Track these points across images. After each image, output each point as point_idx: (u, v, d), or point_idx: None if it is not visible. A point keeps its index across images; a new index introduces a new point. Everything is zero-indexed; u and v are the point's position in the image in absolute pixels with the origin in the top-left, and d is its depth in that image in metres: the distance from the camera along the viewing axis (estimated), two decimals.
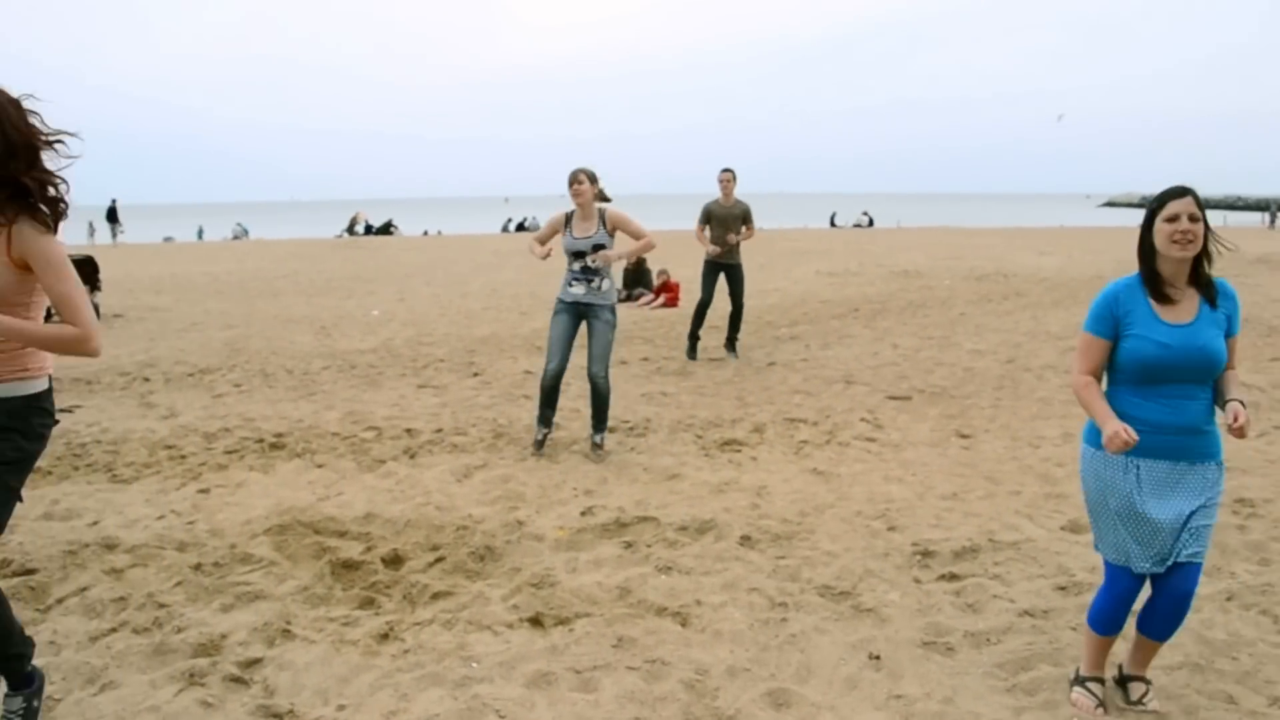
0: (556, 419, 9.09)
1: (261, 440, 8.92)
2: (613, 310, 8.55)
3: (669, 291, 19.25)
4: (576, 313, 8.54)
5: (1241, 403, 4.08)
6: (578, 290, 8.46)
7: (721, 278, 13.12)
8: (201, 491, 7.52)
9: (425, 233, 55.44)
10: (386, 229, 53.30)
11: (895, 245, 36.23)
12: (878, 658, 4.88)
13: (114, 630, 5.15)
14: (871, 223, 58.75)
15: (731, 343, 13.43)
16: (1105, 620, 4.41)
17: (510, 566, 6.01)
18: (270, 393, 11.03)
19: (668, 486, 7.58)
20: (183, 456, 8.47)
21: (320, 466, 8.20)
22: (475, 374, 12.18)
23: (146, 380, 11.85)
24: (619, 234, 8.59)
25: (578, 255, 8.43)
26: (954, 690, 4.58)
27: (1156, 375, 4.07)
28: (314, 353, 13.82)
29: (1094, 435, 4.29)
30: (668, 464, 8.16)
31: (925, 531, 6.58)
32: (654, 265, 20.27)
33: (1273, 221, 53.86)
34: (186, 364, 12.78)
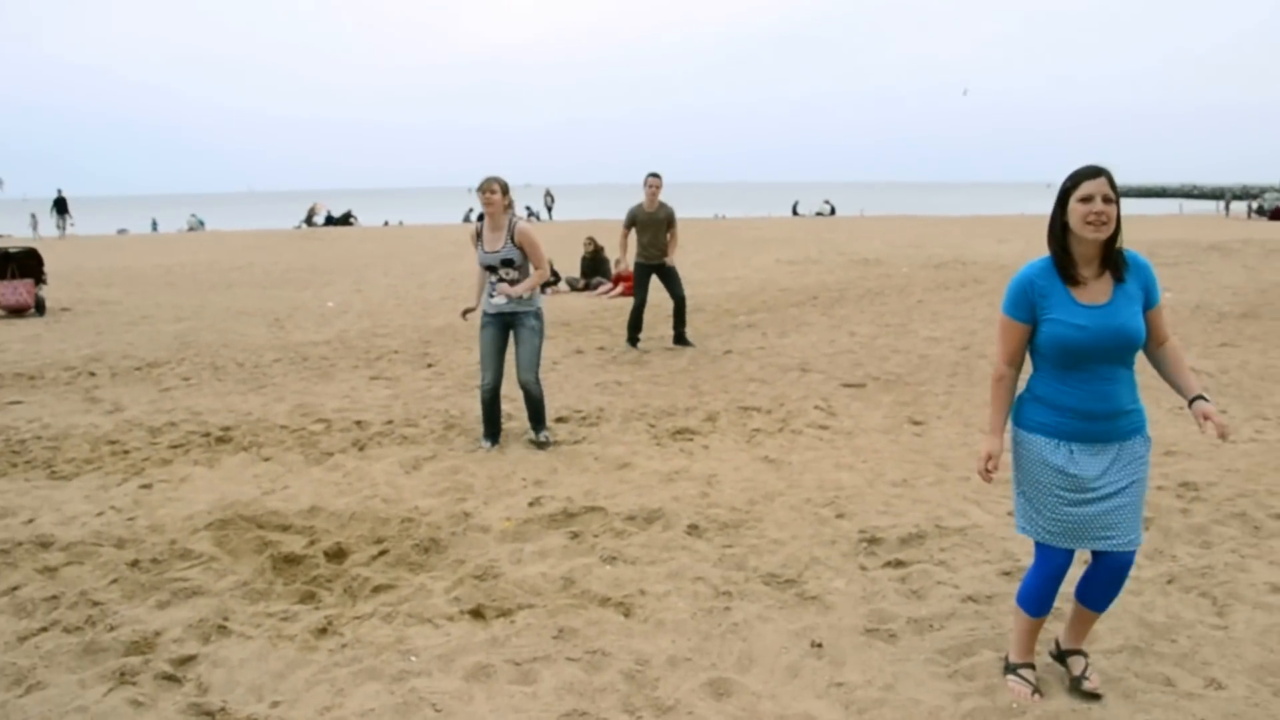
0: (509, 409, 8.99)
1: (208, 434, 8.80)
2: (538, 315, 8.41)
3: (627, 280, 19.13)
4: (503, 323, 8.40)
5: (1205, 398, 4.09)
6: (499, 301, 8.26)
7: (654, 278, 13.09)
8: (144, 487, 7.41)
9: (385, 223, 55.18)
10: (346, 219, 52.99)
11: (856, 233, 36.29)
12: (820, 645, 4.84)
13: (44, 630, 5.05)
14: (833, 211, 58.79)
15: (681, 337, 13.36)
16: (1036, 600, 4.39)
17: (454, 558, 5.94)
18: (219, 386, 10.90)
19: (618, 476, 7.52)
20: (126, 452, 8.35)
21: (267, 460, 8.10)
22: (429, 365, 12.09)
23: (92, 375, 11.70)
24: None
25: (489, 269, 8.27)
26: (895, 677, 4.54)
27: (1077, 358, 4.03)
28: (266, 345, 13.69)
29: (1025, 416, 4.30)
30: (619, 453, 8.10)
31: (873, 518, 6.55)
32: (612, 254, 20.17)
33: (1227, 210, 54.28)
34: (134, 358, 12.62)
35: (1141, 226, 40.96)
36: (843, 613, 5.19)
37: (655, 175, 12.88)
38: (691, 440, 8.53)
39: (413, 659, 4.70)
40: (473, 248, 8.38)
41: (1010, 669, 4.48)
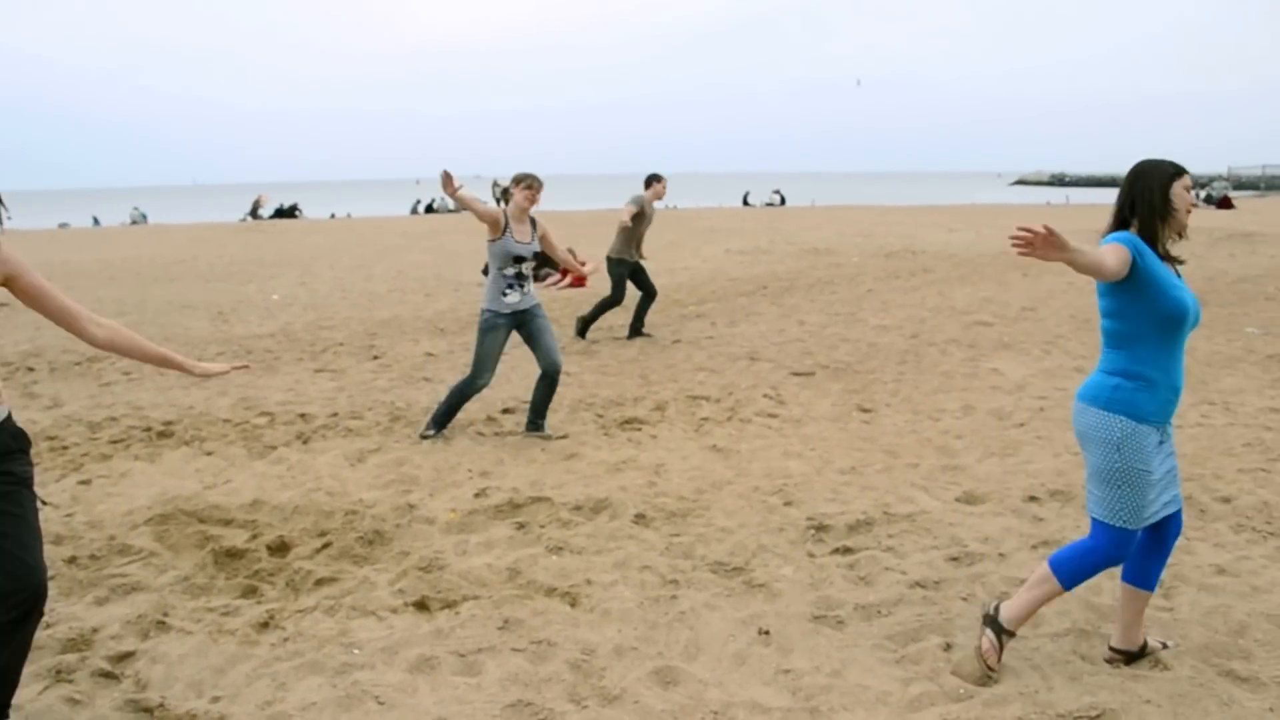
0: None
1: (149, 429, 8.65)
2: (540, 305, 8.48)
3: (577, 272, 19.06)
4: (515, 323, 8.30)
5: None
6: (514, 299, 8.21)
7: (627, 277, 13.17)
8: (82, 483, 7.27)
9: (332, 215, 54.64)
10: (291, 212, 52.48)
11: (806, 224, 36.35)
12: (767, 633, 4.83)
13: None
14: (784, 201, 58.79)
15: (639, 329, 13.32)
16: (1081, 578, 4.38)
17: (399, 550, 5.87)
18: (161, 380, 10.73)
19: (565, 466, 7.48)
20: (64, 447, 8.19)
21: (209, 454, 7.98)
22: (375, 357, 11.97)
23: (30, 370, 11.48)
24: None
25: (518, 260, 8.22)
26: (843, 663, 4.55)
27: (1183, 330, 4.14)
28: (209, 339, 13.51)
29: (1138, 407, 4.15)
30: (566, 444, 8.06)
31: (821, 506, 6.54)
32: (560, 244, 20.10)
33: None
34: (74, 352, 12.39)
35: (1092, 215, 41.25)
36: (790, 600, 5.18)
37: (659, 177, 13.13)
38: (639, 430, 8.51)
39: (356, 652, 4.64)
40: (488, 225, 8.18)
41: (1000, 630, 4.45)
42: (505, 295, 8.20)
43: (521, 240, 8.23)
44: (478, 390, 8.34)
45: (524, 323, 8.31)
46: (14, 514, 3.73)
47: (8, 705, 3.92)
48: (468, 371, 8.37)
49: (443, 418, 8.44)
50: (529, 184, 8.24)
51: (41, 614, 3.80)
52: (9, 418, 3.81)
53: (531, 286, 8.38)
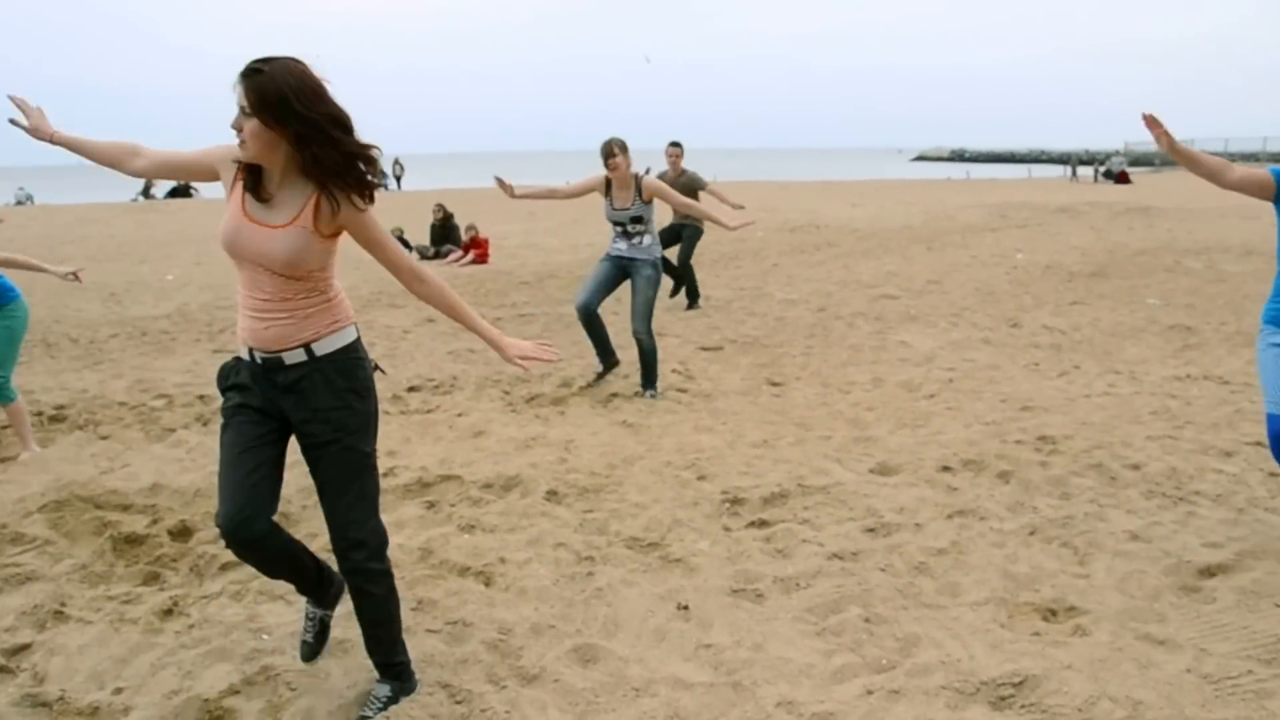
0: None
1: (40, 413, 8.31)
2: (654, 266, 8.76)
3: (478, 248, 18.92)
4: (620, 266, 8.76)
5: None
6: (620, 246, 8.72)
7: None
8: None
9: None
10: (186, 191, 51.45)
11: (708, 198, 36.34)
12: (686, 608, 4.78)
13: None
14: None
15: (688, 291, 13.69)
16: None
17: (306, 532, 5.70)
18: (52, 363, 10.42)
19: (473, 444, 7.36)
20: None
21: (105, 438, 7.73)
22: None
23: None
24: (656, 202, 8.72)
25: (616, 224, 8.67)
26: (764, 636, 4.50)
27: None
28: (102, 320, 13.14)
29: None
30: (473, 421, 7.93)
31: (735, 479, 6.49)
32: (462, 221, 19.90)
33: (1074, 174, 55.80)
34: None
35: (992, 190, 41.95)
36: (708, 574, 5.13)
37: (675, 144, 13.45)
38: (547, 406, 8.40)
39: (265, 637, 4.50)
40: (586, 178, 8.78)
41: None
42: (615, 241, 8.82)
43: (620, 207, 8.59)
44: (578, 310, 8.92)
45: (628, 271, 8.79)
46: (342, 482, 3.81)
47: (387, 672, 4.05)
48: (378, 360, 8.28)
49: (597, 350, 9.11)
50: (606, 159, 8.53)
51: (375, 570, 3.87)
52: (347, 348, 3.83)
53: (643, 241, 8.70)
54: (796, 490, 6.25)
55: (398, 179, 57.56)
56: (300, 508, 6.08)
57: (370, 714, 3.91)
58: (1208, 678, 4.06)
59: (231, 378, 3.83)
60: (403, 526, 5.75)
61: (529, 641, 4.46)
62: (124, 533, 5.68)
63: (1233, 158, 61.57)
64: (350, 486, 3.78)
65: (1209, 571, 5.03)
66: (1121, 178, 46.79)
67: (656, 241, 8.81)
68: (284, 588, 4.97)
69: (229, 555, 5.32)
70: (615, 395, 8.69)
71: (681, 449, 7.15)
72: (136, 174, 3.64)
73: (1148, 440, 7.11)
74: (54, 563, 5.37)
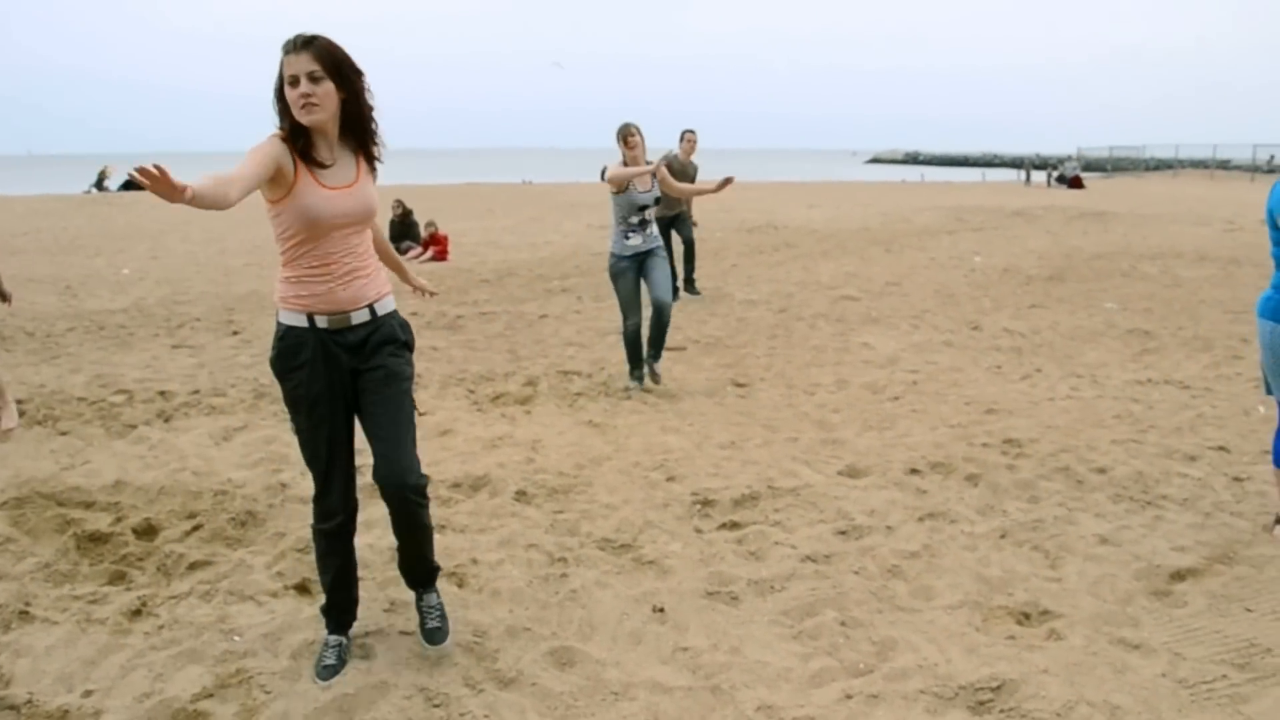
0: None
1: None
2: (663, 247, 8.94)
3: (437, 245, 18.82)
4: (639, 263, 8.68)
5: None
6: (636, 241, 8.61)
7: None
8: None
9: None
10: (140, 184, 50.79)
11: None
12: (662, 610, 4.76)
13: None
14: None
15: (690, 282, 14.10)
16: None
17: (274, 532, 5.66)
18: (8, 357, 10.25)
19: (439, 443, 7.30)
20: None
21: (64, 434, 7.61)
22: (234, 332, 11.61)
23: None
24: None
25: (641, 208, 8.55)
26: (740, 640, 4.50)
27: None
28: (58, 314, 12.94)
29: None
30: (439, 420, 7.87)
31: (704, 481, 6.49)
32: (421, 218, 19.80)
33: (1028, 178, 56.20)
34: None
35: (947, 193, 42.16)
36: (682, 576, 5.12)
37: (692, 131, 13.62)
38: (513, 405, 8.35)
39: (236, 639, 4.45)
40: (638, 167, 8.54)
41: None
42: (628, 239, 8.63)
43: (644, 189, 8.57)
44: (630, 329, 8.81)
45: (644, 261, 8.71)
46: (391, 415, 4.12)
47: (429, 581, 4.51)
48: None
49: (633, 363, 8.95)
50: (623, 135, 8.56)
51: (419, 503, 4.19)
52: (396, 310, 4.24)
53: (654, 230, 8.75)
54: (766, 492, 6.25)
55: None
56: (267, 506, 6.02)
57: (439, 624, 4.36)
58: (1183, 682, 4.09)
59: (300, 355, 4.02)
60: (372, 526, 5.66)
61: (505, 644, 4.43)
62: (87, 531, 5.60)
63: (1182, 164, 62.24)
64: (408, 429, 4.13)
65: (1179, 575, 5.08)
66: (1075, 182, 47.17)
67: (656, 229, 8.84)
68: (254, 588, 4.93)
69: (197, 554, 5.29)
70: (580, 395, 8.65)
71: (649, 449, 7.14)
72: (234, 204, 3.71)
73: (1113, 444, 7.16)
74: (16, 561, 5.28)
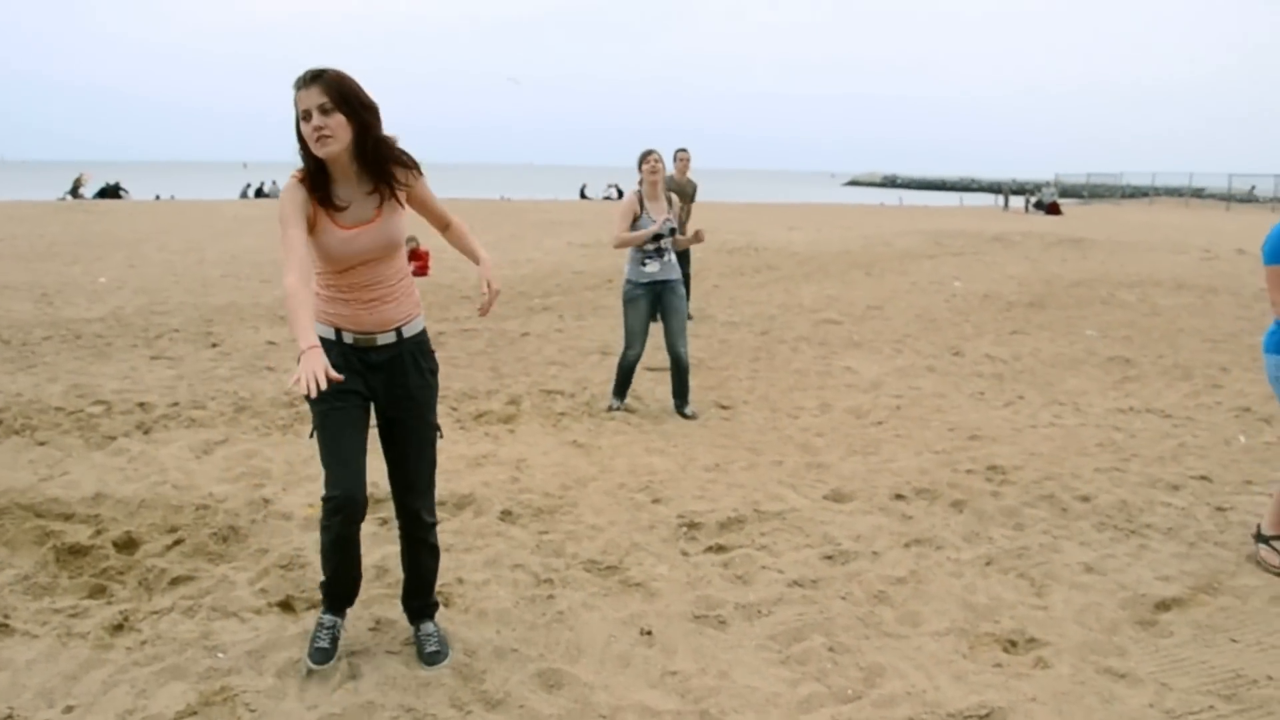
0: (302, 391, 8.62)
1: None
2: (682, 284, 8.74)
3: (418, 260, 18.75)
4: (654, 293, 8.57)
5: None
6: (653, 269, 8.49)
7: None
8: None
9: (157, 197, 52.83)
10: (115, 192, 50.57)
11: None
12: (649, 633, 4.74)
13: None
14: (621, 195, 58.80)
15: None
16: None
17: (257, 548, 5.60)
18: None
19: None
20: None
21: (42, 444, 7.52)
22: (213, 344, 11.52)
23: None
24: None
25: (656, 237, 8.42)
26: (729, 664, 4.47)
27: None
28: (34, 322, 12.82)
29: None
30: None
31: (690, 503, 6.46)
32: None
33: (1006, 204, 56.53)
34: None
35: (926, 217, 42.32)
36: (669, 599, 5.09)
37: (684, 149, 13.40)
38: (496, 424, 8.31)
39: (220, 655, 4.39)
40: (619, 219, 8.52)
41: (1262, 538, 5.66)
42: (644, 265, 8.51)
43: (657, 217, 8.44)
44: (629, 360, 8.77)
45: (662, 294, 8.60)
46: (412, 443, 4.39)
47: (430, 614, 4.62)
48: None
49: (619, 388, 8.93)
50: (643, 160, 8.48)
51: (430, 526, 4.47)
52: (424, 330, 4.37)
53: (672, 258, 8.58)
54: (753, 515, 6.23)
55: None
56: (249, 521, 5.97)
57: (439, 648, 4.40)
58: (1170, 713, 4.09)
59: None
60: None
61: (492, 665, 4.39)
62: (67, 543, 5.53)
63: (1158, 191, 62.67)
64: (425, 457, 4.40)
65: (1164, 605, 5.08)
66: (1052, 209, 47.54)
67: (676, 263, 8.73)
68: (237, 604, 4.88)
69: (179, 569, 5.24)
70: (564, 415, 8.62)
71: (634, 471, 7.11)
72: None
73: (1096, 472, 7.18)
74: None
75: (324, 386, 3.61)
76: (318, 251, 4.01)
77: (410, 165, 4.13)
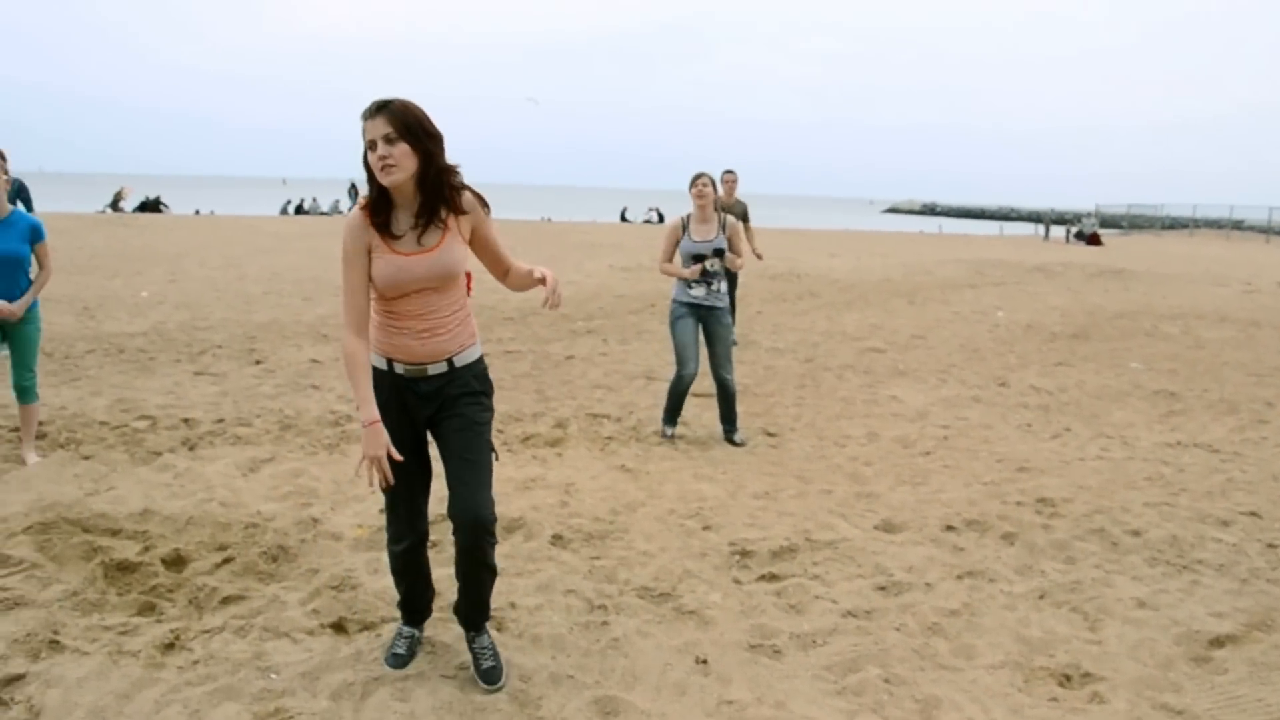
0: (347, 410, 8.69)
1: (17, 429, 8.06)
2: (728, 312, 8.68)
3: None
4: (698, 315, 8.49)
5: None
6: (698, 293, 8.42)
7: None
8: None
9: (197, 212, 53.15)
10: (156, 206, 50.90)
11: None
12: (705, 661, 4.68)
13: None
14: (662, 219, 58.75)
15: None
16: None
17: (307, 568, 5.57)
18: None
19: None
20: None
21: (87, 458, 7.52)
22: (257, 361, 11.52)
23: None
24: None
25: (697, 259, 8.35)
26: (785, 694, 4.42)
27: None
28: (76, 335, 12.86)
29: None
30: None
31: (741, 531, 6.40)
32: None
33: (1046, 234, 56.20)
34: None
35: (966, 246, 42.11)
36: (724, 628, 5.03)
37: (731, 171, 13.37)
38: (543, 448, 8.26)
39: (274, 676, 4.36)
40: (676, 269, 8.49)
41: None
42: (690, 288, 8.45)
43: (701, 239, 8.39)
44: (684, 380, 8.60)
45: (705, 320, 8.52)
46: (467, 459, 4.24)
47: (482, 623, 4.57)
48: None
49: (670, 414, 8.80)
50: (692, 184, 8.40)
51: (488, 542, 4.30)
52: (480, 358, 4.36)
53: (721, 286, 8.50)
54: (804, 544, 6.16)
55: (351, 199, 56.84)
56: (299, 541, 5.93)
57: (495, 663, 4.43)
58: None
59: (378, 396, 4.15)
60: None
61: (548, 691, 4.34)
62: (115, 559, 5.51)
63: (1197, 223, 62.35)
64: (483, 470, 4.25)
65: (1219, 642, 5.01)
66: (1093, 239, 47.24)
67: (725, 290, 8.61)
68: (288, 624, 4.84)
69: (229, 589, 5.21)
70: (611, 439, 8.56)
71: (683, 497, 7.05)
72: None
73: (1146, 506, 7.08)
74: (43, 587, 5.19)
75: (389, 477, 3.94)
76: (376, 279, 4.04)
77: (482, 201, 4.19)
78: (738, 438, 8.66)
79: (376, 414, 4.04)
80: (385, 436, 4.02)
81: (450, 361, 4.20)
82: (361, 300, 4.07)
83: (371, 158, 3.90)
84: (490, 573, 4.42)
